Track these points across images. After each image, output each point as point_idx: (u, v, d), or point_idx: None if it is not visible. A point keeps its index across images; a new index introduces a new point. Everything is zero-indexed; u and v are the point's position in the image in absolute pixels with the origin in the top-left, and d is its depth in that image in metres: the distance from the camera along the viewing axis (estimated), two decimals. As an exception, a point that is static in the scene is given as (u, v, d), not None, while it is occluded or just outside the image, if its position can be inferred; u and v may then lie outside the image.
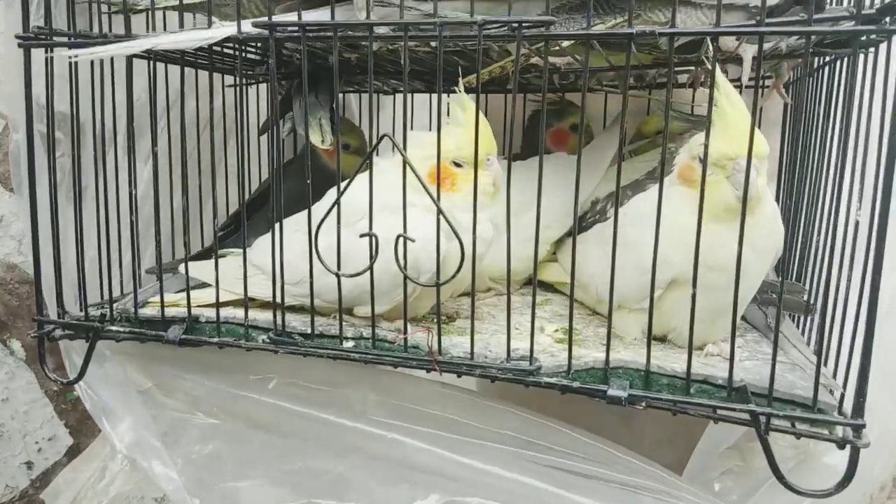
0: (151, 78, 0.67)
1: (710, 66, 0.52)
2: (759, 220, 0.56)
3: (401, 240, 0.56)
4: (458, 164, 0.62)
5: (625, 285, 0.58)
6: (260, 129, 0.93)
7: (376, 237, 0.56)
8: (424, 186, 0.56)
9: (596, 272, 0.67)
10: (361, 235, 0.57)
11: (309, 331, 0.62)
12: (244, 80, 0.72)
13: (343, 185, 0.58)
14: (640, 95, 0.95)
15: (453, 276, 0.56)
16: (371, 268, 0.57)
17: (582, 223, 0.85)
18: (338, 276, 0.58)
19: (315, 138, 0.79)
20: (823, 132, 0.69)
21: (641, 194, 0.68)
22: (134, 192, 0.67)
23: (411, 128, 0.98)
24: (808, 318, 0.69)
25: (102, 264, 0.69)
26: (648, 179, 0.79)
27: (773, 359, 0.51)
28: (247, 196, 0.98)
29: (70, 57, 0.59)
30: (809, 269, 0.71)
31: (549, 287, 0.85)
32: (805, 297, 0.69)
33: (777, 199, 0.85)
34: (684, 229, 0.53)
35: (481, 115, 0.57)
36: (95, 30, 0.67)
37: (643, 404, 0.54)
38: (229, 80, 0.91)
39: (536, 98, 1.02)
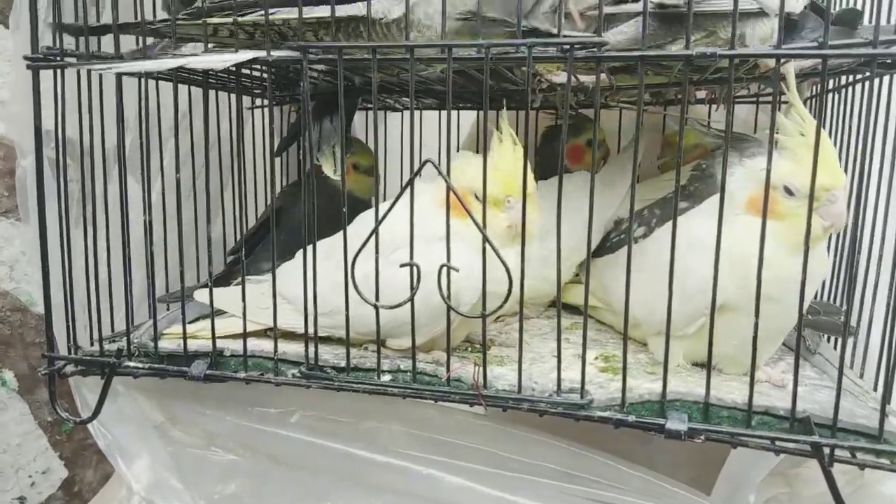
0: (171, 99, 0.64)
1: (775, 86, 0.51)
2: (821, 249, 0.55)
3: (444, 270, 0.54)
4: (479, 198, 0.58)
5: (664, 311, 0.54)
6: (277, 149, 0.90)
7: (418, 267, 0.54)
8: (470, 214, 0.54)
9: (634, 298, 0.65)
10: (402, 265, 0.54)
11: (342, 364, 0.59)
12: (273, 106, 0.69)
13: (382, 211, 0.55)
14: (656, 112, 0.94)
15: (500, 307, 0.54)
16: (412, 299, 0.54)
17: (605, 243, 0.84)
18: (376, 307, 0.56)
19: (328, 168, 0.77)
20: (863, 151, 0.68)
21: (691, 216, 0.65)
22: (148, 218, 0.65)
23: (420, 146, 0.97)
24: (846, 340, 0.68)
25: (114, 294, 0.66)
26: (683, 199, 0.77)
27: (838, 388, 0.50)
28: (258, 219, 0.95)
29: (90, 71, 0.55)
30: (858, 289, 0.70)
31: (574, 309, 0.83)
32: (842, 319, 0.68)
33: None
34: (741, 257, 0.52)
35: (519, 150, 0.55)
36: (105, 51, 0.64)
37: (702, 437, 0.52)
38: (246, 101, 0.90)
39: (548, 114, 1.00)
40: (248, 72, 0.74)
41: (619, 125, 1.00)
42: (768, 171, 0.49)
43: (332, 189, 0.97)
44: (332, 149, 0.81)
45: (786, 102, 0.58)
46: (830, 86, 0.80)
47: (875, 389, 0.60)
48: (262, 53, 0.56)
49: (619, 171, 0.85)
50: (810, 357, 0.68)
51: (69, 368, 0.67)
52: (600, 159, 0.95)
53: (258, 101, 0.94)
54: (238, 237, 0.93)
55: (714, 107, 0.93)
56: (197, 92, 0.77)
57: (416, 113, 0.97)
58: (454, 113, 0.63)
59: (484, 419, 0.68)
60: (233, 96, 0.88)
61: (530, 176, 0.60)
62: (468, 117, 1.08)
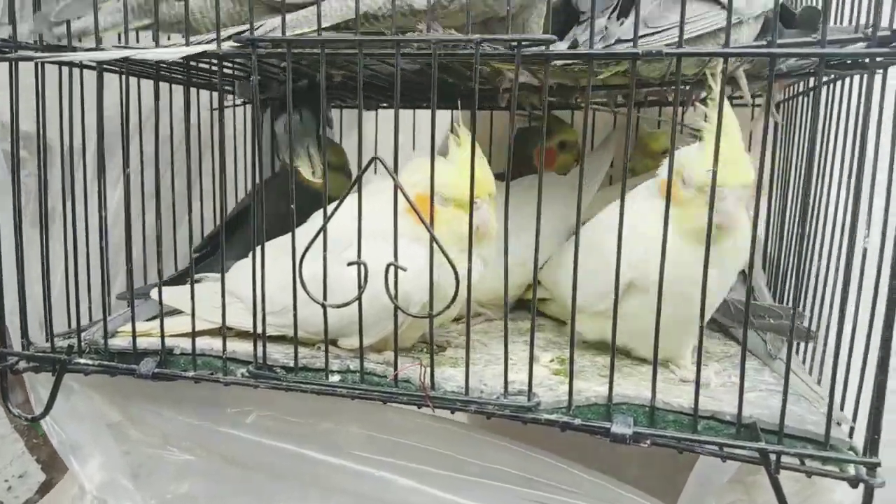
0: (124, 94, 0.63)
1: (714, 86, 0.50)
2: (732, 244, 0.56)
3: (391, 269, 0.53)
4: (446, 200, 0.58)
5: (585, 287, 0.55)
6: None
7: (365, 266, 0.53)
8: (419, 214, 0.53)
9: (561, 279, 0.65)
10: (350, 264, 0.53)
11: (292, 364, 0.59)
12: (223, 99, 0.68)
13: (329, 209, 0.54)
14: (622, 113, 0.93)
15: (447, 308, 0.53)
16: (360, 298, 0.54)
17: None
18: (324, 306, 0.55)
19: (305, 170, 0.76)
20: (822, 152, 0.68)
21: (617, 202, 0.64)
22: (104, 214, 0.64)
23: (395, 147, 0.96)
24: (808, 345, 0.67)
25: (70, 291, 0.65)
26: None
27: (784, 396, 0.49)
28: (225, 215, 0.95)
29: (37, 62, 0.54)
30: (810, 293, 0.69)
31: (539, 312, 0.82)
32: (805, 323, 0.68)
33: (767, 219, 0.84)
34: (649, 239, 0.52)
35: (479, 152, 0.54)
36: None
37: (648, 442, 0.51)
38: (205, 94, 0.89)
39: (521, 114, 0.99)
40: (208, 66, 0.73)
41: (593, 127, 0.99)
42: (671, 162, 0.49)
43: (301, 187, 0.97)
44: (306, 149, 0.80)
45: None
46: (801, 88, 0.80)
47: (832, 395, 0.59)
48: (212, 46, 0.56)
49: (587, 173, 0.84)
50: (771, 362, 0.67)
51: (22, 365, 0.66)
52: (572, 161, 0.94)
53: (231, 100, 0.93)
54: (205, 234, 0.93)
55: (692, 107, 0.92)
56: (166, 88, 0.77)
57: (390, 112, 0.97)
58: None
59: (444, 422, 0.67)
60: (204, 92, 0.88)
61: (491, 177, 0.59)
62: (444, 115, 1.07)
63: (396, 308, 0.53)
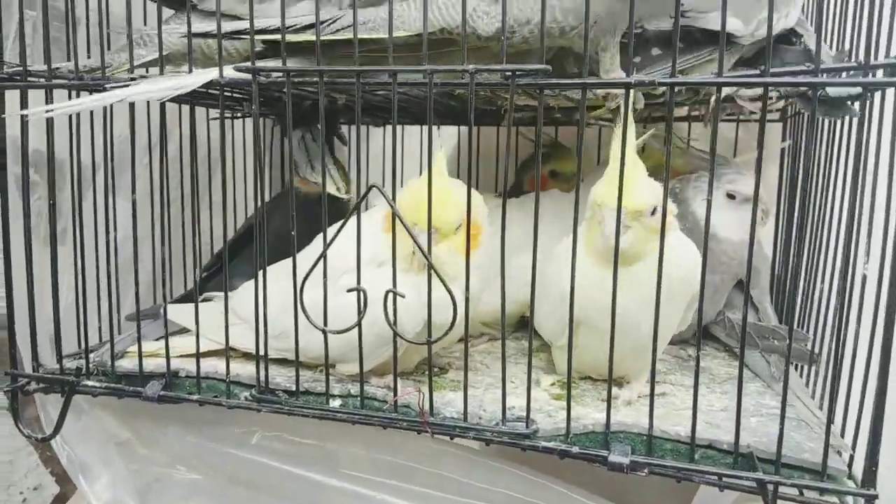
0: (132, 115, 0.64)
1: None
2: (645, 266, 0.56)
3: (390, 295, 0.53)
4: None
5: (547, 325, 0.63)
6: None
7: (365, 293, 0.54)
8: (416, 242, 0.53)
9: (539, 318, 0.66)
10: (349, 290, 0.54)
11: (294, 388, 0.59)
12: (224, 127, 0.69)
13: (330, 233, 0.55)
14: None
15: (445, 335, 0.53)
16: (359, 324, 0.54)
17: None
18: (324, 332, 0.56)
19: (331, 188, 0.75)
20: (826, 175, 0.67)
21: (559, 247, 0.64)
22: (114, 234, 0.65)
23: (401, 163, 0.97)
24: (812, 368, 0.67)
25: (79, 312, 0.66)
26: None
27: (781, 425, 0.49)
28: (231, 234, 0.96)
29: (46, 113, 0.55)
30: (812, 316, 0.69)
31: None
32: (808, 346, 0.67)
33: (775, 239, 0.83)
34: (581, 272, 0.53)
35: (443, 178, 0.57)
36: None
37: (645, 471, 0.51)
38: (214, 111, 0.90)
39: (529, 133, 0.99)
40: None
41: (599, 142, 0.99)
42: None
43: (311, 200, 0.97)
44: (328, 169, 0.80)
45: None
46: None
47: (833, 421, 0.59)
48: (215, 75, 0.56)
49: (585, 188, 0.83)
50: (774, 385, 0.67)
51: (32, 386, 0.68)
52: (566, 189, 0.93)
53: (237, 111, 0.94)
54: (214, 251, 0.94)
55: (703, 124, 0.92)
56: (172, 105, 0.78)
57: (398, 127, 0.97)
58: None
59: (448, 445, 0.67)
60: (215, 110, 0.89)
61: (475, 204, 0.59)
62: (450, 130, 1.08)
63: (395, 334, 0.54)
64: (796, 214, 0.78)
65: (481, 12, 0.55)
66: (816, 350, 0.65)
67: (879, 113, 0.52)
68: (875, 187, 0.54)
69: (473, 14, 0.55)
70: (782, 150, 0.85)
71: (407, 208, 0.55)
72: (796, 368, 0.70)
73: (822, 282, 0.65)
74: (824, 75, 0.46)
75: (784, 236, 0.80)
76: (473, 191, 0.55)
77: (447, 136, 1.10)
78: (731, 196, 0.74)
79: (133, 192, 0.62)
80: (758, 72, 0.46)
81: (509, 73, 0.49)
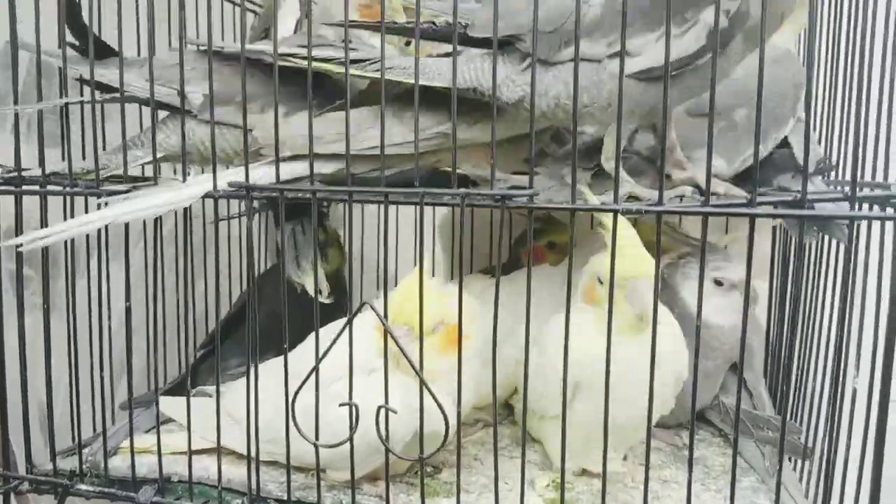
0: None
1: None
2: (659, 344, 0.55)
3: (382, 411, 0.53)
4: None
5: (542, 398, 0.65)
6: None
7: (356, 407, 0.54)
8: (406, 356, 0.54)
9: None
10: (341, 405, 0.54)
11: (285, 497, 0.59)
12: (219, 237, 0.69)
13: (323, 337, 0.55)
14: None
15: (437, 451, 0.53)
16: (351, 438, 0.54)
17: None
18: (316, 446, 0.56)
19: (310, 288, 0.75)
20: (816, 280, 0.68)
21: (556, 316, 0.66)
22: (108, 323, 0.66)
23: (395, 239, 0.97)
24: (805, 462, 0.67)
25: (73, 403, 0.66)
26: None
27: (775, 547, 0.49)
28: (229, 310, 0.96)
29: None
30: (805, 407, 0.69)
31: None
32: (801, 438, 0.67)
33: (768, 329, 0.84)
34: (581, 345, 0.54)
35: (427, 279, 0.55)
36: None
37: (641, 589, 0.51)
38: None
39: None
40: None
41: (592, 221, 1.00)
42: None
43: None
44: (312, 264, 0.80)
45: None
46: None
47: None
48: (209, 187, 0.57)
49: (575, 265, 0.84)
50: (769, 480, 0.67)
51: (25, 486, 0.68)
52: (563, 258, 0.94)
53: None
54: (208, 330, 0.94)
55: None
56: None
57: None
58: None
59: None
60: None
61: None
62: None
63: (388, 450, 0.54)
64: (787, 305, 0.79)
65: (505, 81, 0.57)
66: (810, 443, 0.66)
67: (867, 232, 0.52)
68: (864, 299, 0.54)
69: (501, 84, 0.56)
70: (774, 228, 0.86)
71: (392, 308, 0.58)
72: (790, 461, 0.70)
73: (814, 380, 0.65)
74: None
75: (777, 321, 0.81)
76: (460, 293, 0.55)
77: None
78: (718, 283, 0.74)
79: (127, 299, 0.62)
80: (745, 202, 0.47)
81: (499, 198, 0.50)
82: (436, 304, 0.59)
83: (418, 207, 0.52)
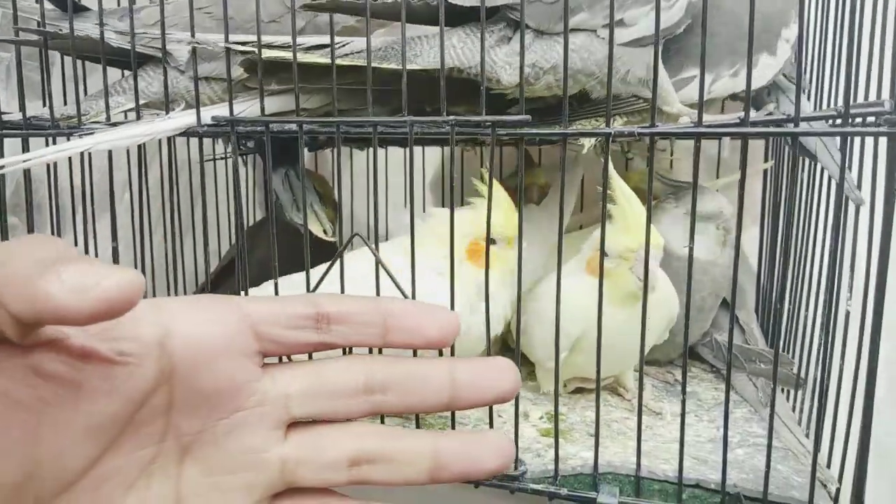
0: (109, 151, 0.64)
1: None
2: (656, 298, 0.59)
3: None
4: (492, 241, 0.61)
5: (540, 348, 0.68)
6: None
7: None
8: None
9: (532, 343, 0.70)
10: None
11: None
12: (205, 176, 0.68)
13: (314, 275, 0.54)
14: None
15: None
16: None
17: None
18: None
19: (316, 229, 0.75)
20: (808, 202, 0.68)
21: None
22: None
23: (385, 183, 0.97)
24: (798, 393, 0.68)
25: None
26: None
27: (767, 467, 0.49)
28: (220, 261, 0.95)
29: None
30: (798, 340, 0.69)
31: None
32: (794, 370, 0.68)
33: (759, 260, 0.84)
34: (584, 310, 0.57)
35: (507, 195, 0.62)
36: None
37: (633, 512, 0.51)
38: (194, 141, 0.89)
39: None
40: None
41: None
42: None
43: (290, 227, 0.97)
44: (311, 207, 0.79)
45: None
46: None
47: (819, 450, 0.59)
48: (192, 120, 0.56)
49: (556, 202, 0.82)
50: (762, 410, 0.67)
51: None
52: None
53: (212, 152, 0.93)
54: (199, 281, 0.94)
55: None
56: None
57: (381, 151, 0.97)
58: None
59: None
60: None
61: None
62: (432, 151, 1.08)
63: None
64: (780, 234, 0.78)
65: (503, 63, 0.55)
66: (802, 374, 0.66)
67: (860, 150, 0.52)
68: (857, 224, 0.54)
69: (495, 66, 0.55)
70: (765, 170, 0.86)
71: (498, 223, 0.60)
72: (783, 392, 0.71)
73: (807, 309, 0.66)
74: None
75: (768, 256, 0.81)
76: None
77: (430, 155, 1.10)
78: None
79: (114, 239, 0.61)
80: (737, 120, 0.46)
81: (489, 124, 0.49)
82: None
83: (408, 152, 0.51)
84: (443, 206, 1.03)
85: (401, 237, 0.59)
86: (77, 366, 0.30)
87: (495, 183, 0.61)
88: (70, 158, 0.70)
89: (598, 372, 0.51)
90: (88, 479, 0.32)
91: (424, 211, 0.71)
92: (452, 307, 0.49)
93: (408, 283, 0.51)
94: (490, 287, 0.56)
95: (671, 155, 0.89)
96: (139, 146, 0.61)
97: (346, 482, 0.38)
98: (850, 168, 0.50)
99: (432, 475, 0.38)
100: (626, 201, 0.61)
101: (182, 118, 0.57)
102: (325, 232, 0.73)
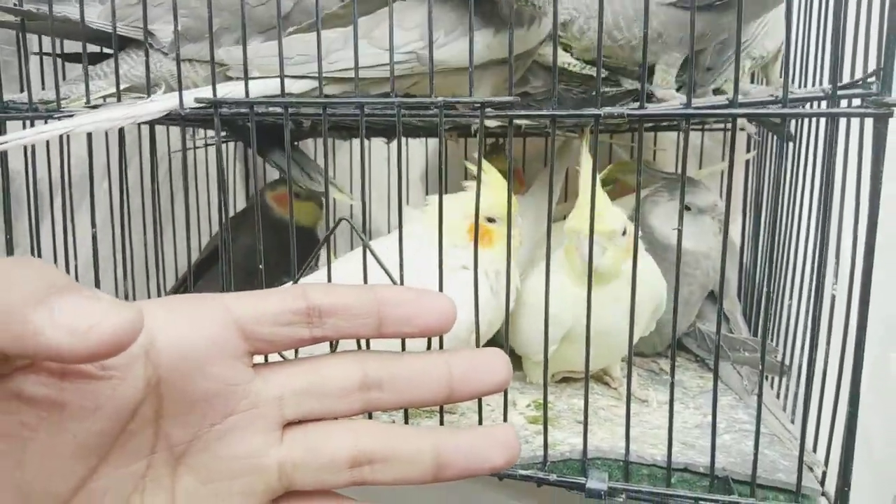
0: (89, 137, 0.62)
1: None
2: (623, 283, 0.57)
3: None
4: (491, 220, 0.62)
5: (529, 342, 0.68)
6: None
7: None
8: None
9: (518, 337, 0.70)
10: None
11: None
12: (186, 157, 0.67)
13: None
14: (602, 141, 0.93)
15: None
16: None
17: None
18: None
19: (340, 196, 0.74)
20: (793, 189, 0.68)
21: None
22: (75, 263, 0.64)
23: (369, 178, 0.96)
24: (783, 379, 0.68)
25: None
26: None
27: (756, 448, 0.49)
28: (201, 251, 0.94)
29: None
30: (782, 327, 0.70)
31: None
32: (778, 357, 0.68)
33: (742, 250, 0.84)
34: (573, 297, 0.59)
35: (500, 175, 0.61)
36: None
37: (623, 496, 0.51)
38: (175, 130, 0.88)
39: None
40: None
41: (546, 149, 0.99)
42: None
43: (275, 220, 0.96)
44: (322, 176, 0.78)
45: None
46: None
47: (805, 435, 0.60)
48: (174, 104, 0.55)
49: (540, 192, 0.82)
50: (747, 398, 0.68)
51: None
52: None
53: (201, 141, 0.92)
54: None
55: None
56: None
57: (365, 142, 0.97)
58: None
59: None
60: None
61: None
62: (415, 144, 1.08)
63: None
64: (763, 224, 0.79)
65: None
66: (787, 362, 0.66)
67: (846, 134, 0.52)
68: (843, 207, 0.54)
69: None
70: (746, 165, 0.86)
71: (496, 202, 0.59)
72: (767, 380, 0.71)
73: (791, 296, 0.66)
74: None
75: (752, 245, 0.81)
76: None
77: (417, 152, 1.10)
78: (687, 208, 0.74)
79: (93, 225, 0.60)
80: (725, 101, 0.46)
81: (478, 105, 0.49)
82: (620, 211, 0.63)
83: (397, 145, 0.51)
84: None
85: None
86: (59, 386, 0.28)
87: (488, 164, 0.61)
88: (48, 147, 0.68)
89: (588, 343, 0.51)
90: (78, 501, 0.30)
91: (409, 204, 0.71)
92: (477, 298, 0.51)
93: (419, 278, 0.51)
94: (498, 264, 0.59)
95: (654, 145, 0.90)
96: (119, 131, 0.60)
97: (347, 483, 0.37)
98: (835, 150, 0.50)
99: (436, 474, 0.37)
100: (584, 186, 0.62)
101: (164, 101, 0.55)
102: (347, 196, 0.72)
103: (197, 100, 0.54)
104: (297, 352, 0.46)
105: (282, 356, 0.45)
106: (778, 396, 0.68)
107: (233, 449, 0.34)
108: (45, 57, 0.70)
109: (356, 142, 1.01)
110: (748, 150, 0.85)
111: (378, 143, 1.01)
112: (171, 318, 0.33)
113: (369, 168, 0.96)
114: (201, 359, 0.33)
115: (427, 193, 1.04)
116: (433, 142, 1.07)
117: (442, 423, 0.55)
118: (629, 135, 0.95)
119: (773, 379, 0.70)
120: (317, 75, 0.51)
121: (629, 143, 0.95)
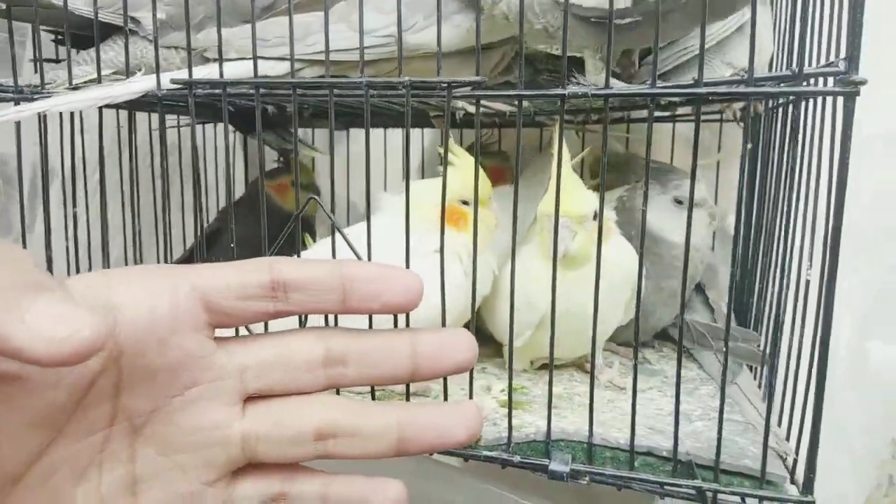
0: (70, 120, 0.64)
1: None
2: (591, 266, 0.55)
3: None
4: (465, 203, 0.62)
5: (506, 328, 0.62)
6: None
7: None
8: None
9: (494, 321, 0.71)
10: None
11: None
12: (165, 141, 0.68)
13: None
14: (594, 130, 0.93)
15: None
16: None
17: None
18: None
19: (311, 153, 0.75)
20: (777, 176, 0.67)
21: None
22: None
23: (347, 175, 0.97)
24: (763, 369, 0.67)
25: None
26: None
27: (719, 434, 0.49)
28: (196, 239, 0.95)
29: None
30: (764, 318, 0.69)
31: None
32: (759, 346, 0.67)
33: (735, 240, 0.83)
34: (544, 280, 0.55)
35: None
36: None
37: (586, 479, 0.51)
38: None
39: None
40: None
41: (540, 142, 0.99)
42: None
43: (272, 207, 0.97)
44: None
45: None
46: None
47: (780, 424, 0.59)
48: (151, 84, 0.56)
49: (528, 184, 0.82)
50: (728, 387, 0.67)
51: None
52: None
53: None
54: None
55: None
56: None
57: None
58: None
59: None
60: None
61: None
62: (414, 134, 1.08)
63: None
64: (754, 215, 0.78)
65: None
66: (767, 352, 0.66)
67: (814, 118, 0.52)
68: (817, 193, 0.54)
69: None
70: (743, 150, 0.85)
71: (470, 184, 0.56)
72: (751, 370, 0.70)
73: (768, 282, 0.65)
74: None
75: (742, 238, 0.81)
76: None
77: (412, 136, 1.10)
78: (678, 201, 0.74)
79: (74, 205, 0.61)
80: (692, 82, 0.46)
81: (445, 85, 0.49)
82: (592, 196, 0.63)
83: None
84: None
85: (379, 214, 0.58)
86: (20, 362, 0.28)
87: (459, 148, 0.61)
88: (42, 137, 0.69)
89: (553, 325, 0.51)
90: (34, 474, 0.30)
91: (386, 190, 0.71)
92: (442, 278, 0.51)
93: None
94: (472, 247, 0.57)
95: (627, 132, 0.89)
96: (129, 115, 0.61)
97: (311, 456, 0.37)
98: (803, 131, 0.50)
99: (399, 448, 0.37)
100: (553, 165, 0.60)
101: (141, 82, 0.56)
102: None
103: (172, 80, 0.55)
104: (266, 325, 0.46)
105: (248, 330, 0.45)
106: (759, 386, 0.67)
107: (195, 420, 0.34)
108: (42, 42, 0.71)
109: (360, 132, 1.02)
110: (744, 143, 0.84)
111: (377, 134, 1.02)
112: (133, 289, 0.33)
113: (348, 166, 0.97)
114: (162, 330, 0.33)
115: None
116: (429, 132, 1.07)
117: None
118: (623, 126, 0.94)
119: (755, 369, 0.70)
120: (295, 58, 0.52)
121: (624, 135, 0.95)
